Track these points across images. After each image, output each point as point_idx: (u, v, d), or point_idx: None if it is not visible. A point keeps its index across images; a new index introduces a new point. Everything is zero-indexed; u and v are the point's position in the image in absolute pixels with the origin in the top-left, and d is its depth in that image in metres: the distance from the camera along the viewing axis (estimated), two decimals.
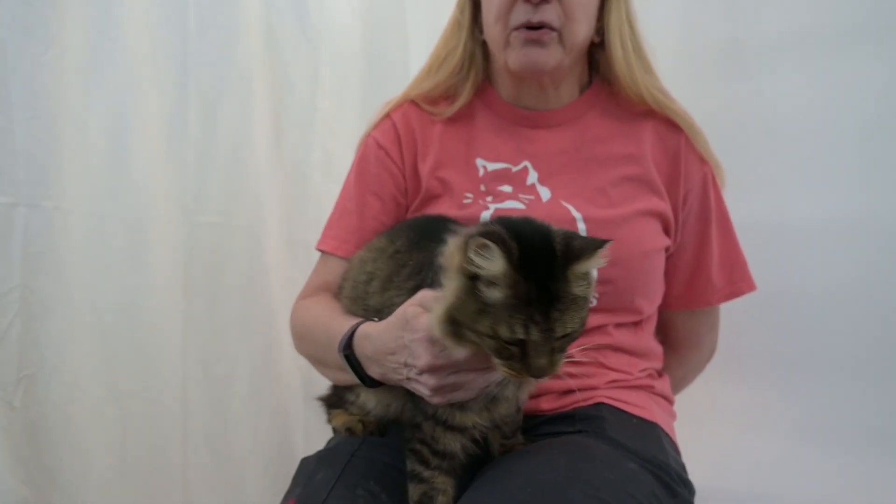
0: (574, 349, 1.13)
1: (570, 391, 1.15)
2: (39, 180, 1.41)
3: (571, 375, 1.15)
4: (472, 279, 0.82)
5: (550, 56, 1.18)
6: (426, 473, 0.98)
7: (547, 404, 1.15)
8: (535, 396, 1.14)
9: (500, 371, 0.84)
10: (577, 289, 0.83)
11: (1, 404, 1.37)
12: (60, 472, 1.46)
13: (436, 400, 0.93)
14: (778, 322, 1.56)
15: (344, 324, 1.07)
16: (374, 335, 0.99)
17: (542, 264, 0.81)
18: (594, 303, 1.16)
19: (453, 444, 0.98)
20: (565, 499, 0.89)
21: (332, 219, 1.35)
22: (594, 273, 0.88)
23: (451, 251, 0.86)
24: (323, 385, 1.42)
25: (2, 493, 1.36)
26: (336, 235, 1.31)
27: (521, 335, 0.80)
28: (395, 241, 1.14)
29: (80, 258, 1.49)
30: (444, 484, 0.98)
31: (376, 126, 1.34)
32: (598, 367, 1.17)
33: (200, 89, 1.67)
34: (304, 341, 1.24)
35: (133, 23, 1.55)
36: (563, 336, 0.82)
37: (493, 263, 0.80)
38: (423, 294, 0.94)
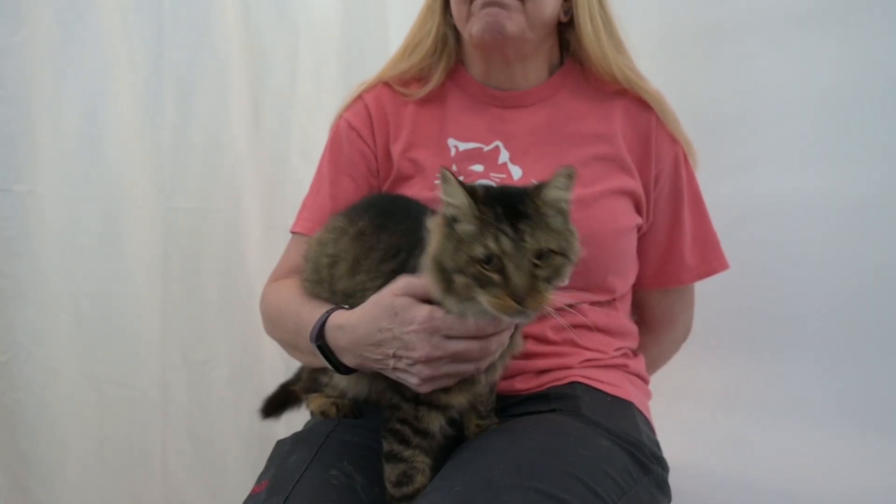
0: (547, 328, 1.15)
1: (544, 371, 1.15)
2: (11, 164, 1.40)
3: (545, 355, 1.16)
4: (450, 225, 0.88)
5: (512, 21, 1.18)
6: (407, 453, 0.98)
7: (522, 384, 1.15)
8: (509, 377, 1.14)
9: (487, 305, 0.85)
10: (550, 218, 0.88)
11: None
12: (37, 459, 1.45)
13: (424, 388, 0.94)
14: (753, 301, 1.57)
15: (314, 312, 1.05)
16: (349, 326, 0.98)
17: (511, 197, 0.88)
18: (566, 282, 1.16)
19: (435, 423, 0.99)
20: (538, 475, 0.89)
21: (307, 201, 1.34)
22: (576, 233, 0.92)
23: (434, 220, 0.91)
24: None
25: None
26: (309, 217, 1.30)
27: (492, 246, 0.84)
28: (355, 221, 1.12)
29: (55, 243, 1.48)
30: (423, 464, 0.99)
31: (348, 107, 1.33)
32: (573, 347, 1.17)
33: (176, 71, 1.65)
34: (275, 326, 1.23)
35: (107, 3, 1.53)
36: (539, 259, 0.85)
37: (457, 196, 0.86)
38: (407, 282, 0.94)
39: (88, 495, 1.53)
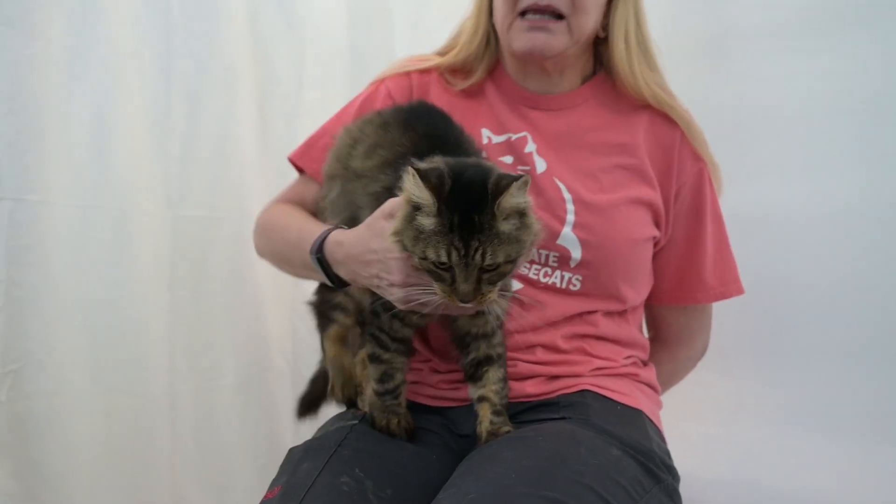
0: (558, 337, 1.17)
1: (555, 377, 1.16)
2: (23, 174, 1.41)
3: (555, 363, 1.17)
4: (415, 209, 0.94)
5: (556, 41, 1.19)
6: (386, 356, 1.10)
7: (533, 388, 1.16)
8: (521, 379, 1.15)
9: (437, 291, 0.95)
10: (505, 225, 0.93)
11: None
12: (47, 466, 1.46)
13: (402, 306, 1.03)
14: (763, 312, 1.57)
15: (316, 228, 1.15)
16: (346, 243, 1.08)
17: (471, 199, 0.92)
18: (577, 286, 1.18)
19: (407, 332, 1.11)
20: (549, 484, 0.90)
21: (318, 141, 1.35)
22: (536, 226, 0.97)
23: (405, 184, 0.96)
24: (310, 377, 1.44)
25: None
26: (319, 158, 1.30)
27: (444, 259, 0.91)
28: (383, 113, 1.20)
29: (65, 252, 1.49)
30: (401, 364, 1.11)
31: (393, 77, 1.34)
32: (583, 355, 1.19)
33: (184, 82, 1.66)
34: (272, 238, 1.29)
35: (116, 15, 1.54)
36: (488, 268, 0.92)
37: (423, 193, 0.92)
38: (391, 203, 1.01)
39: (97, 502, 1.54)
